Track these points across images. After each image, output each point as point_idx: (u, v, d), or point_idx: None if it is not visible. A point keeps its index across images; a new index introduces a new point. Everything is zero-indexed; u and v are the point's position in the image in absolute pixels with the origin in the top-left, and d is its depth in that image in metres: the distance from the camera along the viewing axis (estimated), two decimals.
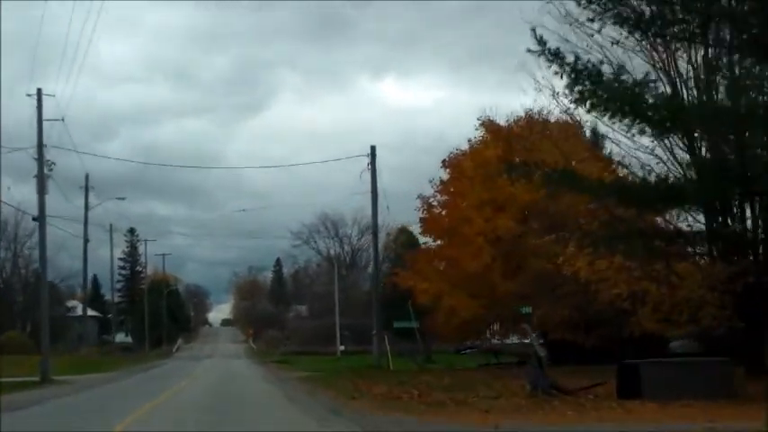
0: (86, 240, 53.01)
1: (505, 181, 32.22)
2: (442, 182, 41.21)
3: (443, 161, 40.77)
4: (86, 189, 52.68)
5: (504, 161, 31.43)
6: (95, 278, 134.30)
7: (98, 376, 37.67)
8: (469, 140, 40.41)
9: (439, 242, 43.67)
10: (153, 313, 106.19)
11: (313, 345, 72.20)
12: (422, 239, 50.94)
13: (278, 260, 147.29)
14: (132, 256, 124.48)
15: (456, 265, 39.20)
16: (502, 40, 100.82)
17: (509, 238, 36.75)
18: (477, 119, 40.04)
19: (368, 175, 42.00)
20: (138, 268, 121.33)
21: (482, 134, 40.16)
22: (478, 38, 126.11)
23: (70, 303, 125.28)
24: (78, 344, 75.20)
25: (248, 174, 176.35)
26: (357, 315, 73.30)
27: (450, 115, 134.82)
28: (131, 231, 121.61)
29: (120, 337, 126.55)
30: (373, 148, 42.83)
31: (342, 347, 60.02)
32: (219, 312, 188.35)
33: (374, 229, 43.80)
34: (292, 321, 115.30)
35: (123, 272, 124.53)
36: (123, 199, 54.64)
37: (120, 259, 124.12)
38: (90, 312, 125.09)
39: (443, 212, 41.91)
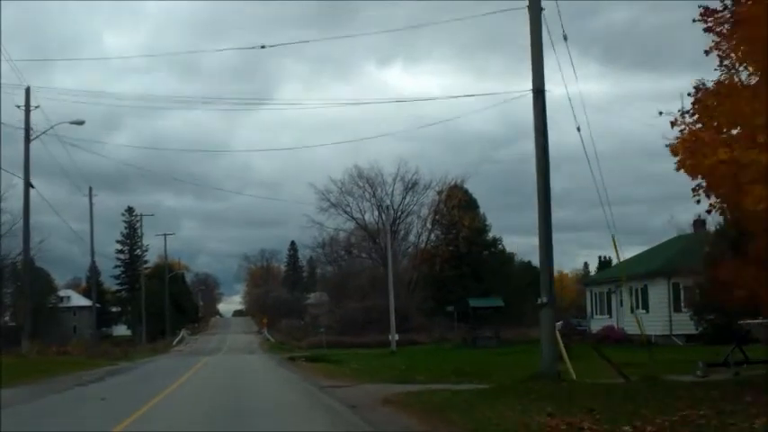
0: (28, 184, 35.98)
1: None
2: None
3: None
4: (27, 105, 35.61)
5: None
6: (94, 264, 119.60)
7: None
8: None
9: None
10: (154, 302, 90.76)
11: (347, 334, 55.50)
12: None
13: (292, 243, 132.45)
14: (131, 238, 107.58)
15: None
16: (509, 26, 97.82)
17: None
18: None
19: None
20: (138, 252, 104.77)
21: None
22: (485, 24, 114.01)
23: (63, 293, 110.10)
24: (70, 338, 65.63)
25: (257, 163, 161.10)
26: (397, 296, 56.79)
27: (456, 102, 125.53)
28: (129, 211, 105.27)
29: (123, 329, 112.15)
30: None
31: (396, 337, 43.02)
32: (231, 305, 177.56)
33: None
34: (316, 308, 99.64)
35: (121, 256, 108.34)
36: (82, 123, 37.50)
37: (118, 242, 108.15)
38: (86, 303, 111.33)
39: None
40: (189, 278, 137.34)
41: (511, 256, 65.16)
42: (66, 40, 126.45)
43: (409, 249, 70.70)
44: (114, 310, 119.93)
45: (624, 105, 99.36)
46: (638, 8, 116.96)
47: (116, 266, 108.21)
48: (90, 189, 57.86)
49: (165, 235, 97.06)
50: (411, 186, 68.68)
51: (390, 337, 39.27)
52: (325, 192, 71.42)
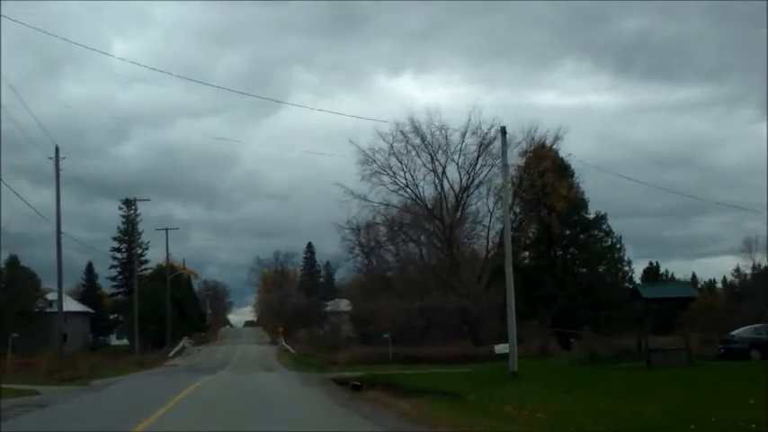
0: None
1: None
2: None
3: None
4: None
5: None
6: (90, 266, 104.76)
7: None
8: None
9: None
10: (155, 308, 75.81)
11: (401, 343, 39.73)
12: None
13: (309, 245, 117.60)
14: (129, 234, 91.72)
15: None
16: (518, 35, 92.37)
17: None
18: None
19: None
20: (138, 250, 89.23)
21: None
22: (495, 33, 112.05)
23: (52, 296, 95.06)
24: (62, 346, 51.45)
25: (269, 175, 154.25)
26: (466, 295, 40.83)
27: (467, 111, 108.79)
28: (127, 203, 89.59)
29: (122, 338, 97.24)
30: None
31: (503, 348, 26.89)
32: (241, 316, 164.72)
33: None
34: (336, 316, 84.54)
35: (118, 255, 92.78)
36: None
37: (115, 239, 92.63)
38: (78, 308, 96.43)
39: None
40: (197, 286, 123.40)
41: (618, 240, 48.53)
42: (74, 48, 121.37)
43: (479, 233, 51.25)
44: (113, 317, 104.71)
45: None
46: (651, 18, 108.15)
47: (112, 266, 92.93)
48: (56, 149, 42.68)
49: (166, 229, 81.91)
50: (488, 144, 48.16)
51: (509, 348, 23.45)
52: (371, 152, 50.80)
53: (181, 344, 71.08)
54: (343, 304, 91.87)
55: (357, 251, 55.18)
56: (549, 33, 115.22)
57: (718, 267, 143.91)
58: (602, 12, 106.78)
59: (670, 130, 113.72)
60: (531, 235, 47.55)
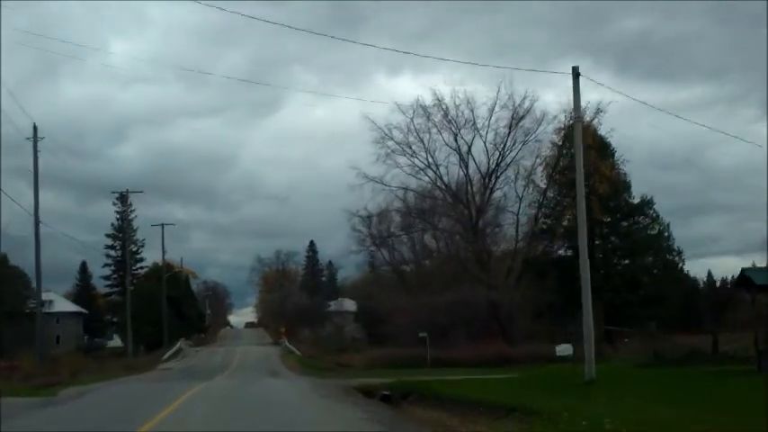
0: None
1: None
2: None
3: None
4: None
5: None
6: (84, 265, 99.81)
7: None
8: None
9: None
10: (152, 308, 71.07)
11: (424, 344, 34.68)
12: None
13: (311, 243, 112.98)
14: (124, 231, 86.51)
15: None
16: (519, 35, 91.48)
17: None
18: None
19: None
20: (133, 247, 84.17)
21: None
22: (495, 33, 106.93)
23: (45, 296, 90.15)
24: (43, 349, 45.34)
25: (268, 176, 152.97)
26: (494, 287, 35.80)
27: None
28: (121, 199, 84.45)
29: (115, 340, 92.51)
30: None
31: (565, 349, 21.79)
32: (241, 317, 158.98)
33: None
34: (340, 316, 79.97)
35: (112, 253, 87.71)
36: None
37: (109, 236, 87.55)
38: (72, 308, 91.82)
39: None
40: (196, 286, 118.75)
41: (665, 227, 42.99)
42: (73, 47, 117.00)
43: (507, 221, 45.34)
44: (108, 317, 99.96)
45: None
46: (652, 18, 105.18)
47: (106, 265, 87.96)
48: (34, 128, 37.82)
49: (162, 225, 77.02)
50: (520, 118, 43.01)
51: (585, 350, 18.25)
52: (387, 128, 45.67)
53: (177, 345, 65.96)
54: (347, 304, 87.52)
55: (368, 243, 49.61)
56: (550, 33, 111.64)
57: (722, 267, 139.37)
58: (602, 12, 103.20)
59: (670, 131, 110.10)
60: (564, 223, 42.25)
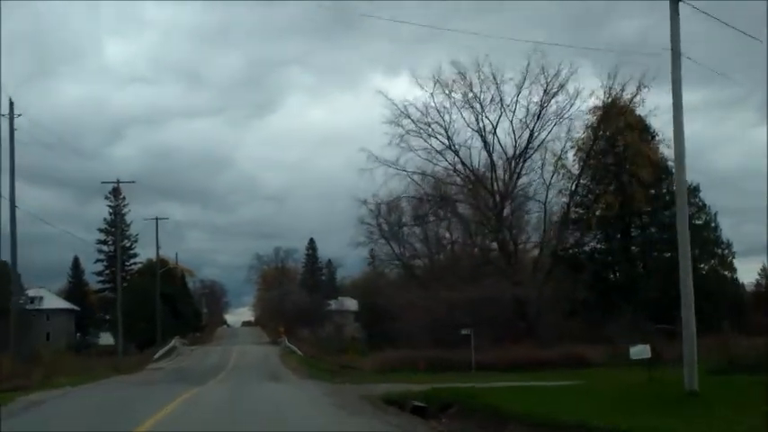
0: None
1: None
2: None
3: None
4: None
5: None
6: (76, 261, 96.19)
7: None
8: None
9: None
10: (146, 305, 67.59)
11: (440, 346, 30.88)
12: None
13: (311, 241, 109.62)
14: (117, 226, 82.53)
15: None
16: (516, 36, 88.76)
17: None
18: None
19: None
20: (126, 242, 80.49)
21: None
22: (492, 34, 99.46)
23: (35, 293, 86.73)
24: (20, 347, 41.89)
25: (268, 176, 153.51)
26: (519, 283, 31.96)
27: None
28: (115, 193, 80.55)
29: (107, 337, 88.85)
30: None
31: (641, 351, 17.97)
32: (238, 316, 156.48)
33: None
34: (340, 315, 76.81)
35: (105, 248, 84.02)
36: None
37: (101, 230, 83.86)
38: (63, 305, 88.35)
39: None
40: (193, 284, 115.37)
41: (712, 218, 38.63)
42: (69, 48, 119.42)
43: (533, 210, 40.93)
44: (104, 316, 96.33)
45: None
46: (653, 18, 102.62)
47: (98, 260, 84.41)
48: (11, 103, 34.02)
49: (156, 219, 73.29)
50: (554, 93, 38.83)
51: (687, 355, 14.18)
52: (403, 107, 42.04)
53: (171, 344, 62.03)
54: (348, 303, 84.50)
55: (376, 235, 45.48)
56: (550, 33, 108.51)
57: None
58: (602, 12, 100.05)
59: (669, 134, 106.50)
60: (597, 213, 38.04)
